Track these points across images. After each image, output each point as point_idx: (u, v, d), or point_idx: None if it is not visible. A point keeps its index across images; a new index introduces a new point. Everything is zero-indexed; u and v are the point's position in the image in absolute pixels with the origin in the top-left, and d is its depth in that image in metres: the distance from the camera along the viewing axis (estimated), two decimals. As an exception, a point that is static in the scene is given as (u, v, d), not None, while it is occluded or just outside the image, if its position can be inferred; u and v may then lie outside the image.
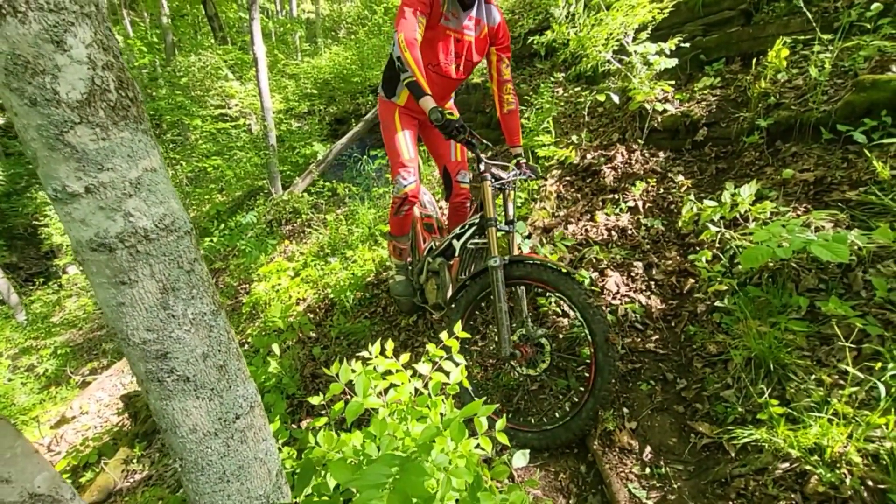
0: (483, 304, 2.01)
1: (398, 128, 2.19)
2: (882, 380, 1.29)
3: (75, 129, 0.64)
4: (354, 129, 6.59)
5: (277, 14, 16.19)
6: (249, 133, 8.00)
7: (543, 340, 1.83)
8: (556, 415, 1.77)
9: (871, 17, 2.44)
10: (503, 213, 1.98)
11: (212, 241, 5.88)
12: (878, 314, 1.54)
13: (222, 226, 6.25)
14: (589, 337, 1.69)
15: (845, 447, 1.27)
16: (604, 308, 1.64)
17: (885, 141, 2.00)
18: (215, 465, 0.80)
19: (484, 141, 1.90)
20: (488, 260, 1.84)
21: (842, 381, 1.41)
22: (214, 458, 0.80)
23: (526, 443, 1.72)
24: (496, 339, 1.85)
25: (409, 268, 2.66)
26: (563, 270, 1.74)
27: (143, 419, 3.60)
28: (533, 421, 1.81)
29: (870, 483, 1.21)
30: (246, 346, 3.75)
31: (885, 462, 1.21)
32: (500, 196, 2.00)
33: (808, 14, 2.61)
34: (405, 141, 2.19)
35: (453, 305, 2.03)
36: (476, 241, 2.17)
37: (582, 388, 1.83)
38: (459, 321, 1.56)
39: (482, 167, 1.88)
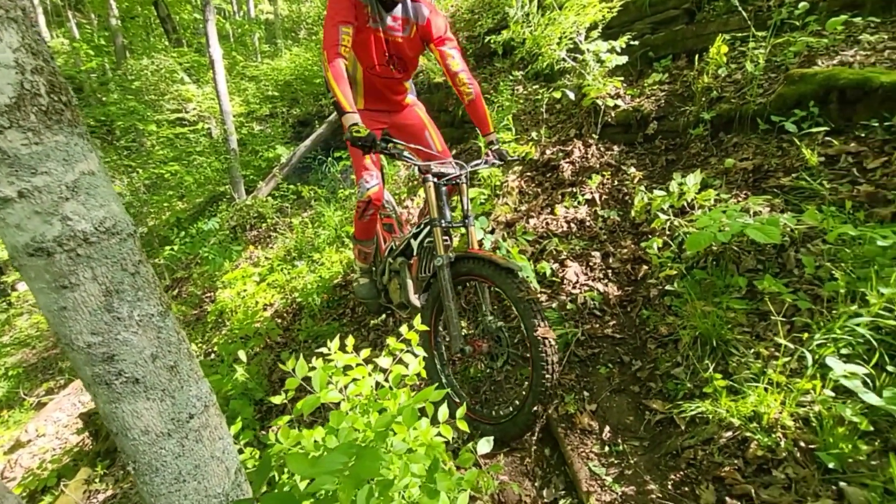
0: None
1: None
2: (810, 349, 1.40)
3: (5, 133, 0.64)
4: (318, 131, 6.51)
5: (235, 15, 15.77)
6: (209, 137, 7.78)
7: (500, 334, 1.83)
8: (510, 409, 1.77)
9: (799, 14, 2.62)
10: (461, 209, 2.01)
11: (173, 249, 5.69)
12: (808, 290, 1.66)
13: (183, 233, 6.06)
14: (525, 332, 1.63)
15: (780, 413, 1.37)
16: (539, 302, 1.65)
17: (814, 130, 2.15)
18: (170, 466, 0.80)
19: (406, 144, 1.89)
20: (434, 259, 1.86)
21: (777, 353, 1.52)
22: (169, 458, 0.80)
23: (485, 434, 1.74)
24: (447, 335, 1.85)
25: (373, 269, 2.67)
26: (501, 264, 1.68)
27: (105, 437, 3.46)
28: (493, 413, 1.84)
29: (802, 444, 1.31)
30: (213, 355, 3.66)
31: (813, 424, 1.32)
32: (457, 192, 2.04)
33: (744, 13, 2.77)
34: None
35: (424, 303, 2.05)
36: (431, 239, 2.20)
37: (527, 383, 1.84)
38: (419, 315, 1.59)
39: (421, 168, 1.90)
